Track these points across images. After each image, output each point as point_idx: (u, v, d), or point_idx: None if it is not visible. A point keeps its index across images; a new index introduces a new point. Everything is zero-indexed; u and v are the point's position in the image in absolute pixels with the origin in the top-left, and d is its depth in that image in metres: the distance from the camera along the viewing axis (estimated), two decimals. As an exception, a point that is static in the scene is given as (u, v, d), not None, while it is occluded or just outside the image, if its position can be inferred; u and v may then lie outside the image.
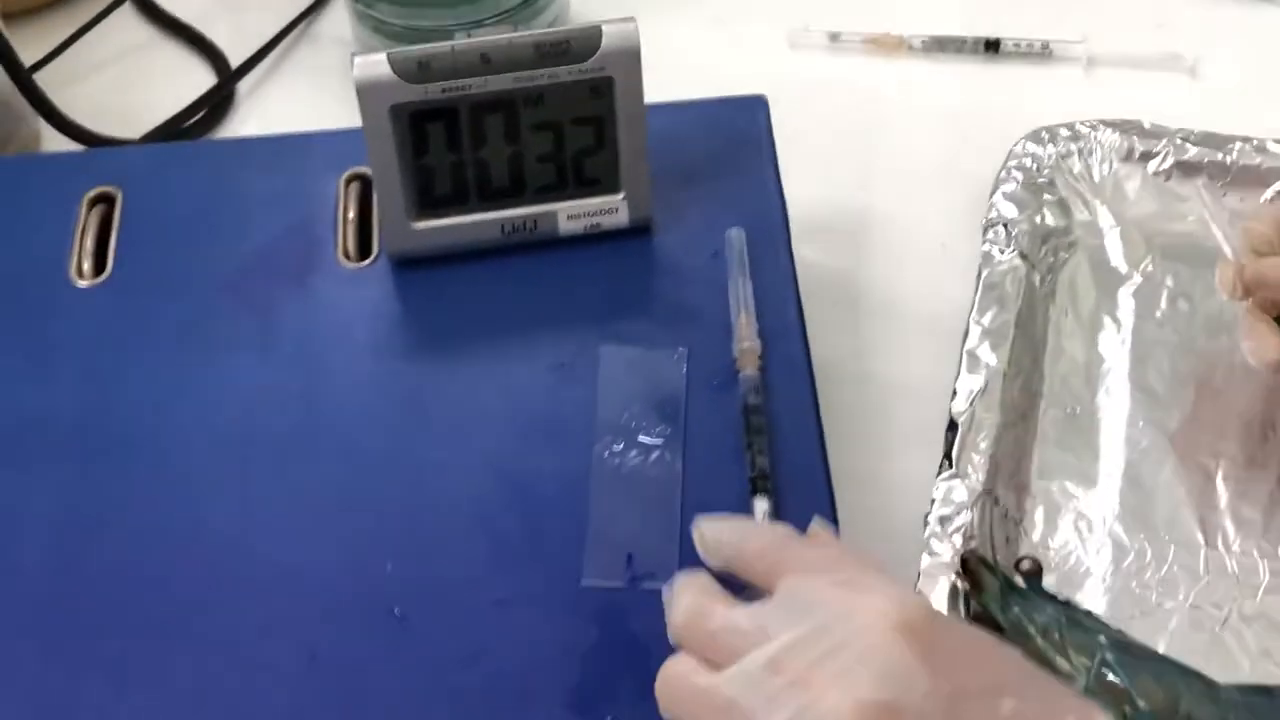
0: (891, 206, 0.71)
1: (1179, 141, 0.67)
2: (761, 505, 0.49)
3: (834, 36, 0.79)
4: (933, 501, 0.54)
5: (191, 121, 0.76)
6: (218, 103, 0.78)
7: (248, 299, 0.57)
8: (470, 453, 0.52)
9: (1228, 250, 0.59)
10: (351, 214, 0.59)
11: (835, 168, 0.73)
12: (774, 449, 0.51)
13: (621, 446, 0.52)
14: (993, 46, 0.78)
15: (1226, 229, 0.65)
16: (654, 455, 0.52)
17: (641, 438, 0.52)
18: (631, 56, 0.54)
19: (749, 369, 0.53)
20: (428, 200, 0.56)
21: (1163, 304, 0.63)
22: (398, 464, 0.52)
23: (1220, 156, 0.67)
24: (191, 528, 0.50)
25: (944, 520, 0.54)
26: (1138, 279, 0.64)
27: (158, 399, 0.54)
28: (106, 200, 0.60)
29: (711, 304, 0.56)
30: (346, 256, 0.58)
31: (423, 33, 0.74)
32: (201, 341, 0.56)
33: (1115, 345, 0.62)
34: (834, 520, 0.50)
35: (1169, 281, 0.64)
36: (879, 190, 0.72)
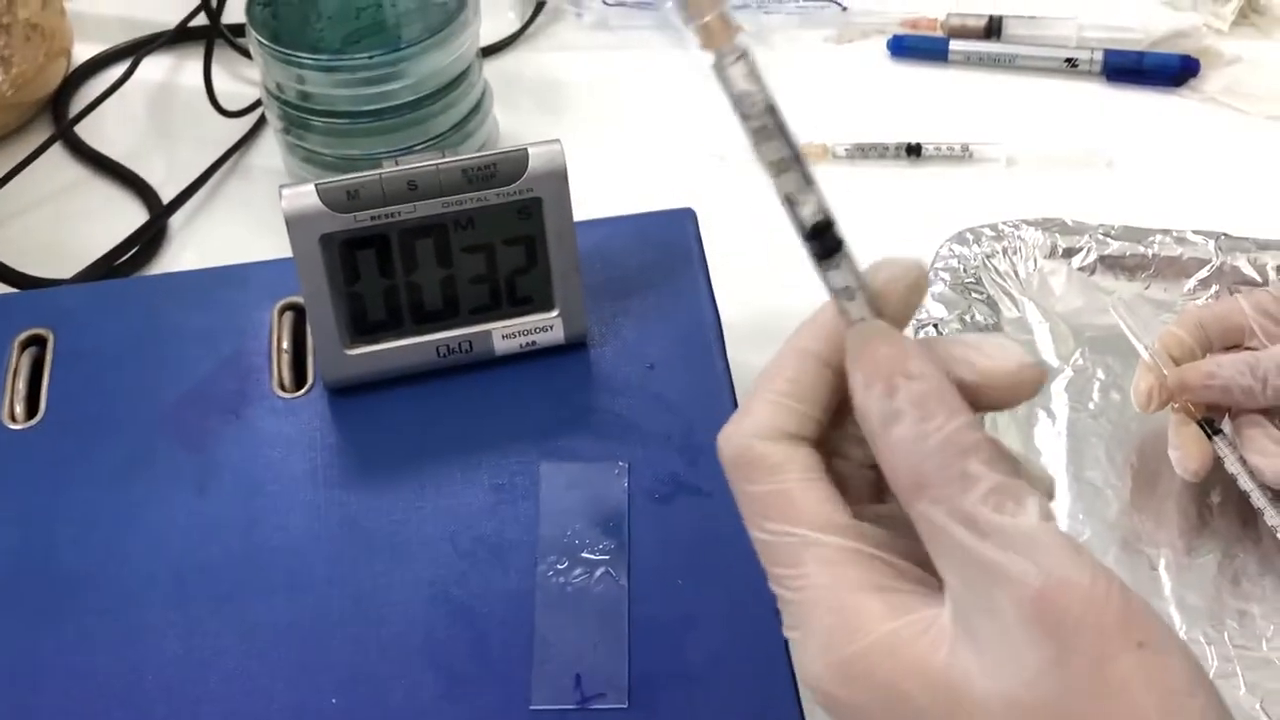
0: (825, 311, 0.71)
1: (1100, 236, 0.69)
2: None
3: (760, 147, 0.81)
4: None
5: (124, 259, 0.76)
6: (150, 238, 0.78)
7: (184, 435, 0.56)
8: (414, 578, 0.52)
9: (1140, 348, 0.60)
10: (286, 344, 0.59)
11: (768, 274, 0.74)
12: (712, 552, 0.51)
13: (566, 564, 0.52)
14: (914, 151, 0.80)
15: (1150, 322, 0.66)
16: (599, 572, 0.51)
17: (585, 554, 0.52)
18: (558, 177, 0.55)
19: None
20: (361, 327, 0.56)
21: (1095, 396, 0.64)
22: (341, 593, 0.51)
23: (1142, 249, 0.68)
24: (134, 669, 0.49)
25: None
26: (1069, 372, 0.65)
27: (96, 540, 0.53)
28: (38, 342, 0.60)
29: (650, 416, 0.56)
30: (282, 387, 0.58)
31: (354, 161, 0.75)
32: (138, 480, 0.55)
33: (1051, 438, 0.63)
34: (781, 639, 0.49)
35: (1100, 373, 0.65)
36: (813, 294, 0.73)
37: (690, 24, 0.36)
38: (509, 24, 0.92)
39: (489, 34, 0.87)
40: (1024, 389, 0.36)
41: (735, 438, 0.36)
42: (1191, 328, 0.60)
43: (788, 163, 0.36)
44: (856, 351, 0.35)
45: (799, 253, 0.79)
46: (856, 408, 0.35)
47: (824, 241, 0.37)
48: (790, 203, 0.37)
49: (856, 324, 0.36)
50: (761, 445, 0.36)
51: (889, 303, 0.36)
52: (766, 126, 0.37)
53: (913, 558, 0.35)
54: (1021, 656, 0.31)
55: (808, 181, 0.36)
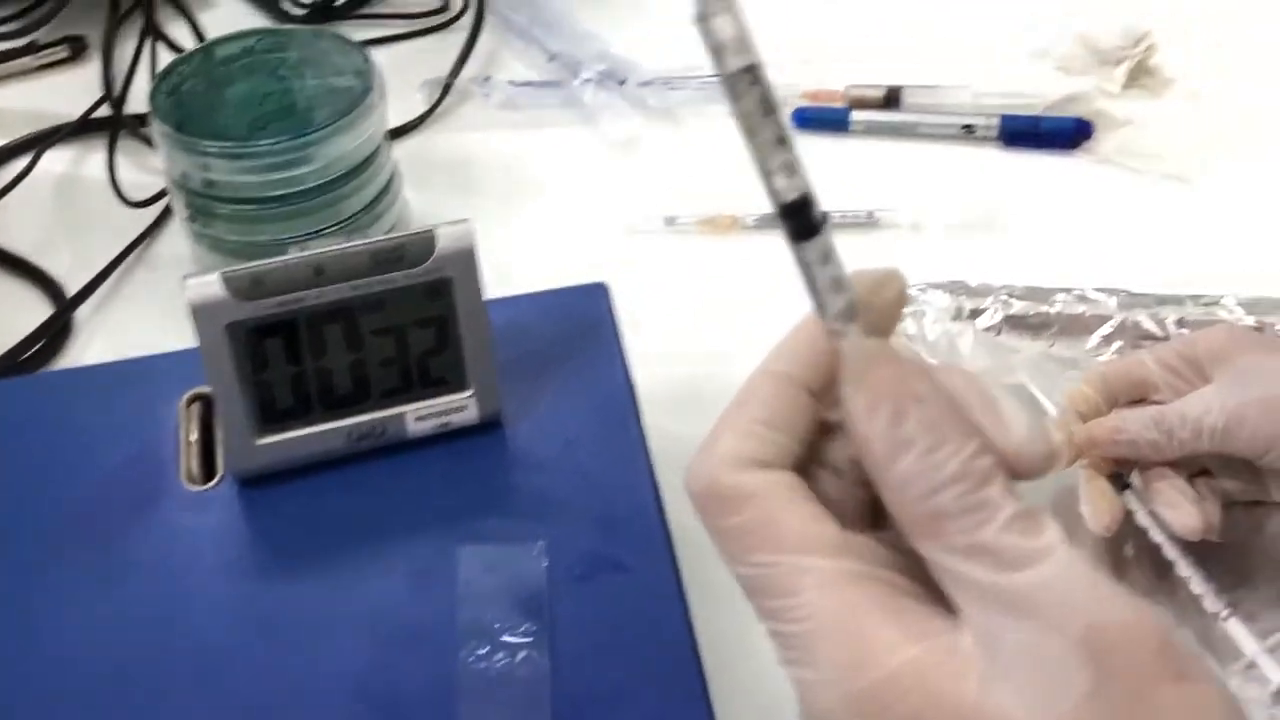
0: (742, 377, 0.72)
1: (1004, 297, 0.70)
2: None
3: (669, 221, 0.82)
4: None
5: (29, 354, 0.75)
6: (56, 332, 0.77)
7: (91, 532, 0.55)
8: (332, 671, 0.51)
9: (1047, 406, 0.61)
10: (194, 435, 0.58)
11: (683, 344, 0.74)
12: (636, 628, 0.51)
13: (487, 649, 0.51)
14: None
15: (1057, 379, 0.67)
16: (521, 655, 0.51)
17: (506, 638, 0.51)
18: (467, 256, 0.55)
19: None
20: (270, 415, 0.56)
21: (1007, 454, 0.65)
22: (258, 690, 0.50)
23: (1045, 308, 0.70)
24: (40, 778, 0.48)
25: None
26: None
27: (2, 646, 0.52)
28: (-62, 442, 0.59)
29: (568, 492, 0.56)
30: (191, 480, 0.57)
31: (262, 248, 0.74)
32: (44, 581, 0.54)
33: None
34: (705, 697, 0.49)
35: (1011, 432, 0.66)
36: (729, 362, 0.73)
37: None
38: (417, 105, 0.93)
39: (397, 116, 0.87)
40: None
41: (702, 471, 0.34)
42: (1097, 384, 0.61)
43: (775, 110, 0.32)
44: (857, 373, 0.32)
45: (714, 321, 0.80)
46: (857, 436, 0.32)
47: (800, 220, 0.33)
48: (769, 172, 0.33)
49: (849, 341, 0.33)
50: (732, 476, 0.33)
51: (872, 317, 0.34)
52: (754, 67, 0.32)
53: (914, 574, 0.32)
54: (1060, 689, 0.29)
55: (785, 146, 0.32)
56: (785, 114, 0.32)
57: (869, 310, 0.34)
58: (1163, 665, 0.29)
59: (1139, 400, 0.61)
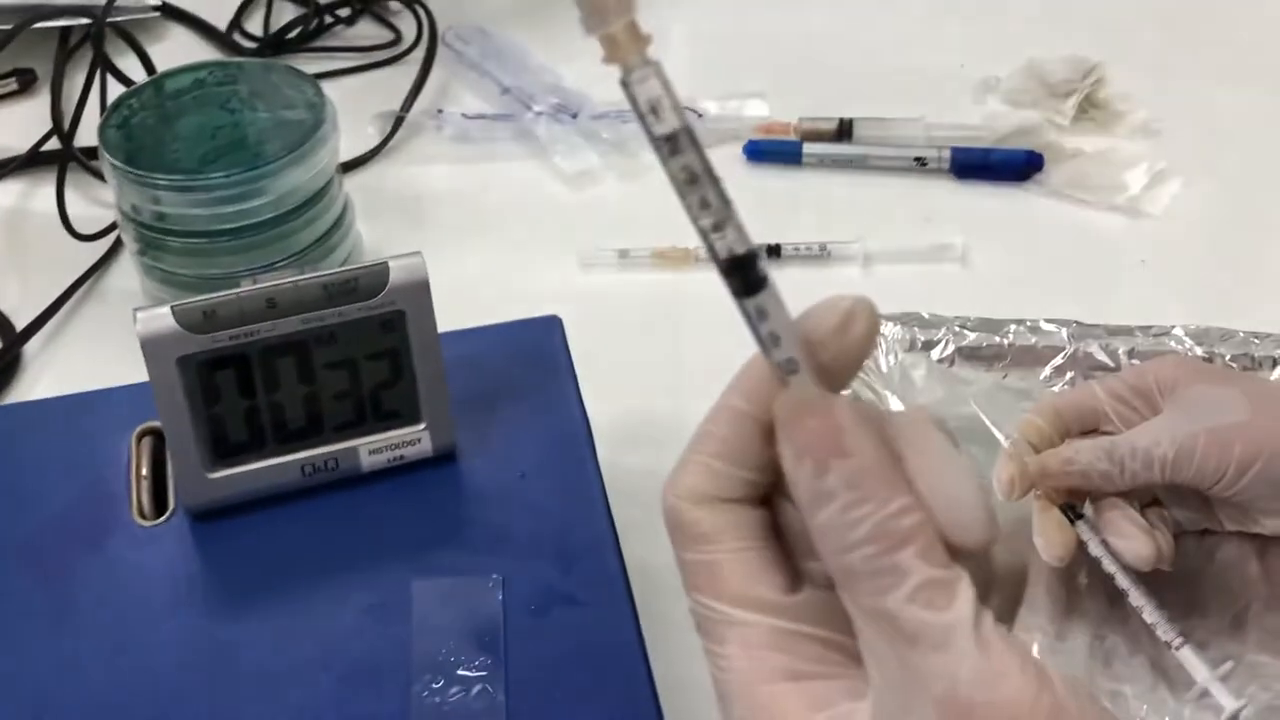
0: (697, 409, 0.71)
1: (957, 329, 0.71)
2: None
3: (623, 254, 0.82)
4: (761, 705, 0.54)
5: (-25, 388, 0.74)
6: (4, 367, 0.76)
7: (40, 569, 0.54)
8: (286, 707, 0.50)
9: (999, 437, 0.62)
10: (145, 470, 0.58)
11: (638, 377, 0.74)
12: (591, 662, 0.51)
13: (441, 683, 0.50)
14: (774, 251, 0.81)
15: (1010, 410, 0.68)
16: (475, 689, 0.50)
17: (461, 671, 0.51)
18: (420, 289, 0.55)
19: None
20: (223, 449, 0.55)
21: (961, 484, 0.65)
22: (209, 726, 0.50)
23: (998, 340, 0.70)
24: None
25: None
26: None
27: (-56, 685, 0.51)
28: (-118, 479, 0.58)
29: (523, 525, 0.56)
30: (142, 515, 0.56)
31: (214, 281, 0.73)
32: (-8, 618, 0.53)
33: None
34: (663, 735, 0.49)
35: (964, 462, 0.66)
36: (683, 394, 0.73)
37: (593, 34, 0.32)
38: (369, 139, 0.92)
39: (349, 149, 0.87)
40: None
41: (669, 498, 0.35)
42: (1049, 415, 0.61)
43: (700, 177, 0.32)
44: (785, 422, 0.33)
45: (668, 353, 0.80)
46: (788, 479, 0.33)
47: (745, 277, 0.33)
48: (703, 231, 0.32)
49: (786, 386, 0.33)
50: (691, 511, 0.34)
51: (829, 355, 0.34)
52: (676, 135, 0.32)
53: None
54: None
55: (724, 202, 0.32)
56: (724, 163, 0.32)
57: (825, 350, 0.34)
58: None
59: (1091, 431, 0.61)
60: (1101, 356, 0.70)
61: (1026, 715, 0.29)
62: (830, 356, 0.34)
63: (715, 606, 0.33)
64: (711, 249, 0.33)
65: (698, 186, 0.32)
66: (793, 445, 0.32)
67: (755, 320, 0.34)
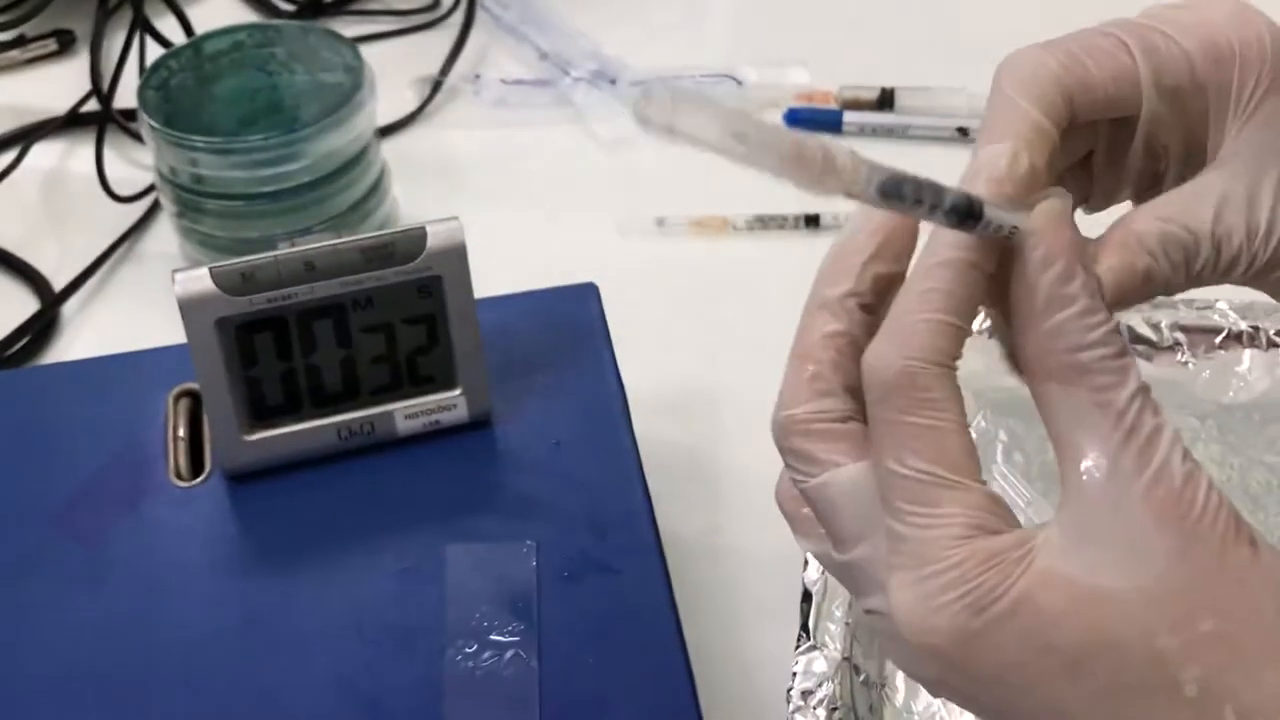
0: (733, 379, 0.72)
1: (998, 299, 0.70)
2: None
3: (660, 222, 0.81)
4: (794, 675, 0.54)
5: (15, 349, 0.75)
6: (42, 328, 0.76)
7: (78, 530, 0.55)
8: (319, 670, 0.50)
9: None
10: (182, 432, 0.58)
11: (674, 347, 0.74)
12: (624, 630, 0.51)
13: (475, 648, 0.51)
14: (813, 221, 0.80)
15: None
16: (508, 654, 0.50)
17: (494, 637, 0.51)
18: (457, 254, 0.55)
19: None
20: (259, 411, 0.55)
21: (998, 458, 0.64)
22: (244, 687, 0.50)
23: (1038, 311, 0.69)
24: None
25: (806, 694, 0.53)
26: (972, 435, 0.65)
27: (-12, 644, 0.51)
28: (-77, 437, 0.58)
29: (557, 493, 0.56)
30: (179, 476, 0.56)
31: (251, 244, 0.74)
32: (31, 580, 0.53)
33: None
34: (694, 698, 0.49)
35: (1003, 436, 0.65)
36: (719, 365, 0.73)
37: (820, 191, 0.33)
38: (407, 103, 0.92)
39: (386, 113, 0.87)
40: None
41: (895, 358, 0.34)
42: (1048, 102, 0.38)
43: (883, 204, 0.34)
44: (1044, 227, 0.34)
45: (703, 322, 0.80)
46: (1024, 281, 0.34)
47: (968, 216, 0.34)
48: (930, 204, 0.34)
49: (1047, 200, 0.35)
50: (926, 373, 0.34)
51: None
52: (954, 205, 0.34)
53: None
54: (1151, 552, 0.32)
55: (908, 197, 0.34)
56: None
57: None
58: (1237, 533, 0.32)
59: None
60: (1144, 329, 0.69)
61: (1217, 505, 0.32)
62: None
63: (941, 474, 0.34)
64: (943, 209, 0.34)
65: (893, 205, 0.34)
66: (1046, 247, 0.34)
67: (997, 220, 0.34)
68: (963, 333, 0.34)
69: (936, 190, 0.33)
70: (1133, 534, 0.32)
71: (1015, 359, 0.36)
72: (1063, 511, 0.33)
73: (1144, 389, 0.33)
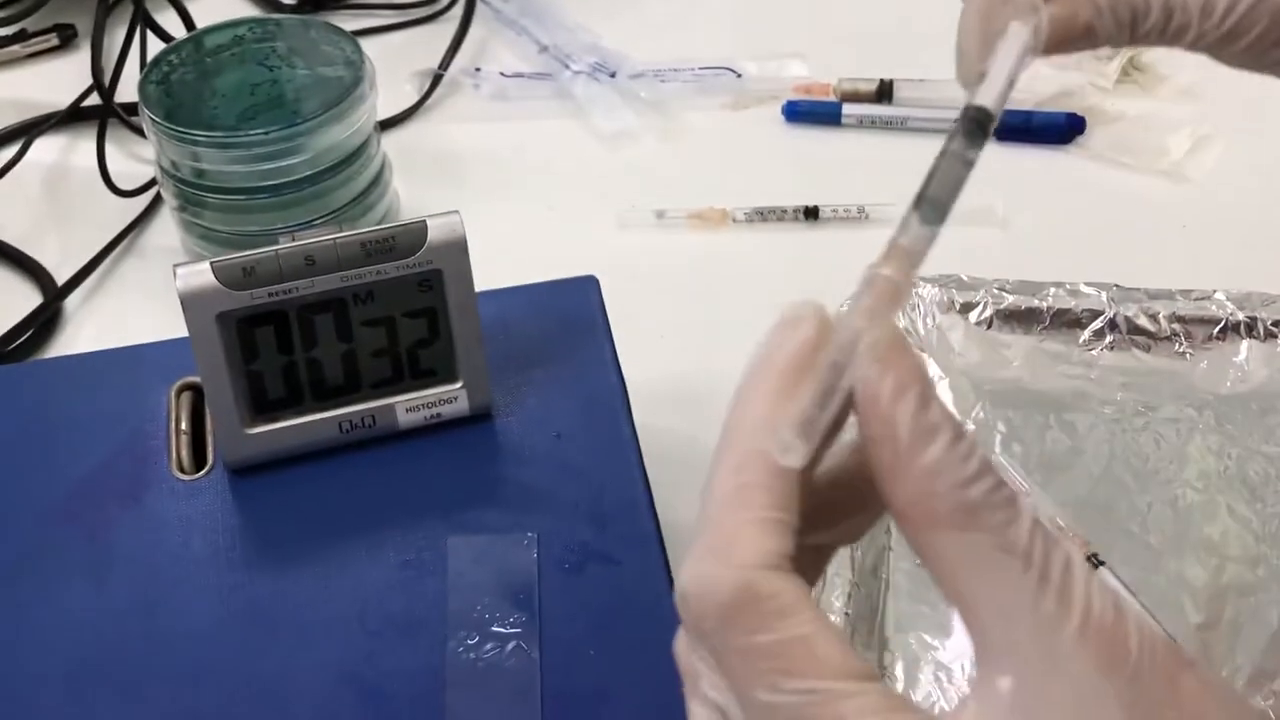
0: (732, 371, 0.71)
1: (996, 291, 0.70)
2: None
3: (660, 214, 0.82)
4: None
5: (18, 343, 0.75)
6: (45, 322, 0.76)
7: (81, 523, 0.55)
8: (321, 661, 0.50)
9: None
10: (184, 425, 0.58)
11: (674, 338, 0.74)
12: (625, 621, 0.51)
13: (476, 640, 0.51)
14: (812, 213, 0.81)
15: (1046, 373, 0.68)
16: (510, 646, 0.51)
17: (496, 629, 0.51)
18: (458, 248, 0.55)
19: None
20: (261, 405, 0.55)
21: (997, 449, 0.65)
22: (247, 680, 0.50)
23: (1036, 302, 0.70)
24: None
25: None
26: (971, 426, 0.66)
27: (-10, 638, 0.51)
28: (-74, 431, 0.58)
29: (558, 485, 0.56)
30: (181, 469, 0.57)
31: (252, 237, 0.74)
32: (35, 573, 0.53)
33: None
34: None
35: (1001, 427, 0.66)
36: (719, 356, 0.73)
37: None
38: (407, 97, 0.92)
39: (387, 107, 0.87)
40: None
41: (726, 577, 0.29)
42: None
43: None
44: (884, 354, 0.30)
45: (703, 315, 0.80)
46: (878, 421, 0.29)
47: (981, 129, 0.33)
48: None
49: (876, 329, 0.30)
50: (767, 581, 0.29)
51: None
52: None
53: None
54: (1102, 708, 0.28)
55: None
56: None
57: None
58: (1176, 657, 0.29)
59: None
60: (1142, 320, 0.69)
61: (1152, 630, 0.29)
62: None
63: (824, 687, 0.28)
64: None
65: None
66: (894, 378, 0.29)
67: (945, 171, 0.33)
68: (791, 526, 0.30)
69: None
70: (1077, 686, 0.28)
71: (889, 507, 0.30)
72: (981, 676, 0.29)
73: (1034, 519, 0.29)
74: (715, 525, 0.30)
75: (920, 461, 0.29)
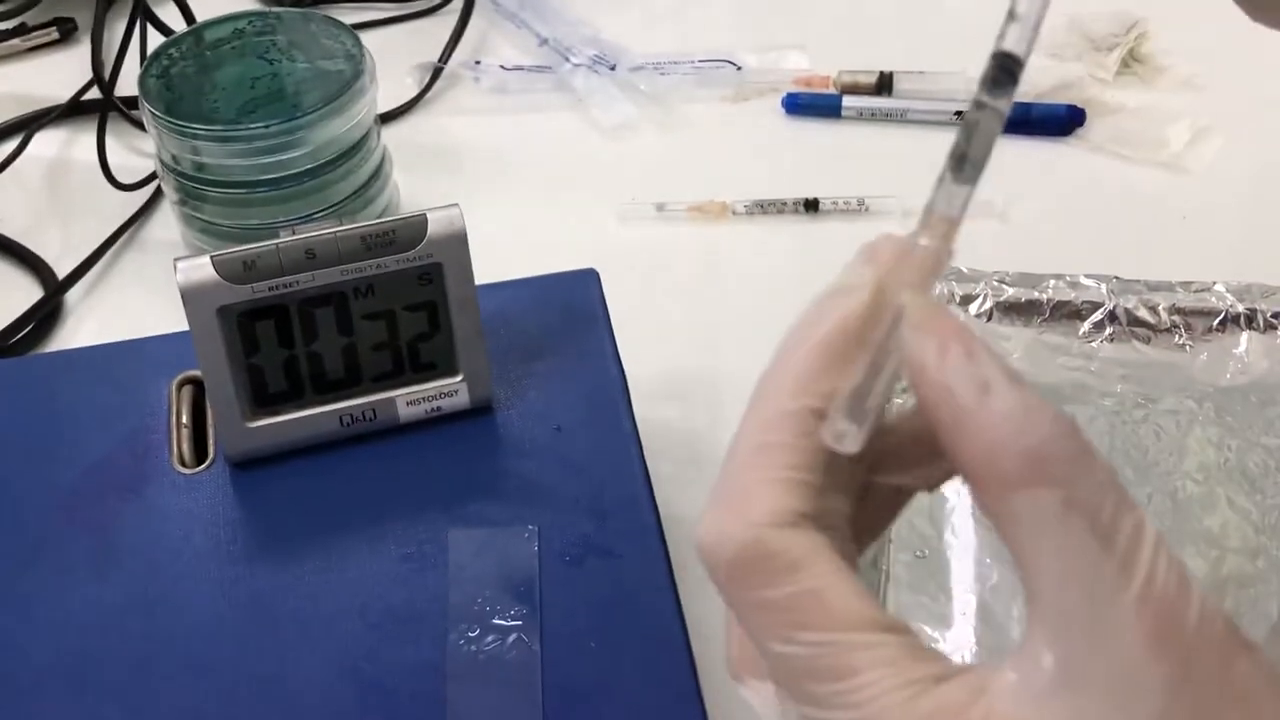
0: (733, 363, 0.72)
1: (996, 283, 0.70)
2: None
3: (660, 207, 0.82)
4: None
5: (18, 337, 0.75)
6: (45, 316, 0.76)
7: (82, 517, 0.55)
8: (322, 654, 0.51)
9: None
10: (185, 419, 0.58)
11: (674, 331, 0.74)
12: (625, 613, 0.51)
13: (477, 632, 0.51)
14: (812, 206, 0.81)
15: (1047, 366, 0.68)
16: (511, 638, 0.51)
17: (497, 621, 0.51)
18: (458, 241, 0.55)
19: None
20: (262, 399, 0.56)
21: (998, 442, 0.65)
22: (248, 673, 0.50)
23: (1036, 294, 0.70)
24: (31, 762, 0.48)
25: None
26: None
27: (-8, 632, 0.52)
28: (-73, 425, 0.58)
29: (558, 478, 0.56)
30: (182, 463, 0.57)
31: (253, 231, 0.74)
32: (36, 567, 0.53)
33: (956, 484, 0.63)
34: (695, 681, 0.49)
35: (1001, 420, 0.66)
36: (719, 349, 0.73)
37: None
38: (407, 90, 0.92)
39: (387, 100, 0.87)
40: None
41: (736, 532, 0.29)
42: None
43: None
44: (922, 320, 0.30)
45: (704, 307, 0.80)
46: (926, 384, 0.29)
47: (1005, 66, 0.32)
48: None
49: (912, 297, 0.30)
50: (777, 538, 0.29)
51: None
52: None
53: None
54: (1146, 684, 0.27)
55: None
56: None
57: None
58: (1235, 640, 0.28)
59: None
60: (1142, 312, 0.69)
61: (1213, 610, 0.27)
62: None
63: (835, 637, 0.28)
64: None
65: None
66: (937, 342, 0.29)
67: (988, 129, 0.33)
68: (820, 486, 0.30)
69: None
70: (1122, 662, 0.27)
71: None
72: (1027, 644, 0.28)
73: (1112, 476, 0.28)
74: (734, 479, 0.30)
75: (978, 419, 0.28)
